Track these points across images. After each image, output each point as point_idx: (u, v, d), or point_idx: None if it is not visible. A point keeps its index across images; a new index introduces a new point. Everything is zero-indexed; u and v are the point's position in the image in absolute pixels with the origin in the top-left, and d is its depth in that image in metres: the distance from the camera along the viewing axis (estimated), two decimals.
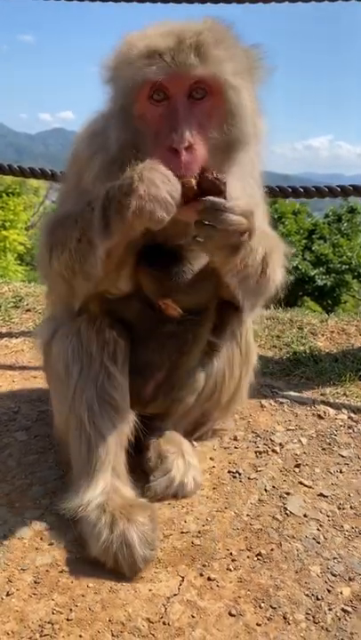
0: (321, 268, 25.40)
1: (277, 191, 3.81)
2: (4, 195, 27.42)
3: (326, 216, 28.43)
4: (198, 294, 2.15)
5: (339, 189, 3.79)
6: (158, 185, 1.73)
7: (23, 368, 3.43)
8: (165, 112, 1.83)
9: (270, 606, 1.75)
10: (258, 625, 1.68)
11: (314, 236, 27.59)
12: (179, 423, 2.47)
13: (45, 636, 1.60)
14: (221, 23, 1.92)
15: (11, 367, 3.44)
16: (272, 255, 2.02)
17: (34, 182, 30.62)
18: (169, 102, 1.83)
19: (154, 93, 1.82)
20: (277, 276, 2.08)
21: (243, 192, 1.99)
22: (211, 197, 1.76)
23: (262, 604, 1.76)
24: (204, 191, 1.77)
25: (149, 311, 2.16)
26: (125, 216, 1.76)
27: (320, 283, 24.88)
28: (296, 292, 24.25)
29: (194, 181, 1.77)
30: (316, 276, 25.07)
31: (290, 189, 3.84)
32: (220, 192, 1.76)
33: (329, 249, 25.91)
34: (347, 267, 25.46)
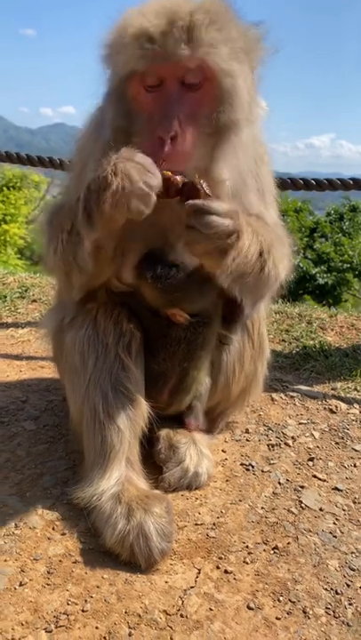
0: (322, 267, 25.37)
1: (278, 184, 3.78)
2: (4, 188, 27.36)
3: (328, 214, 28.39)
4: (204, 299, 2.10)
5: (339, 182, 3.75)
6: (133, 176, 1.67)
7: (30, 358, 3.39)
8: (158, 99, 1.79)
9: (289, 600, 1.71)
10: (277, 619, 1.64)
11: (315, 235, 27.57)
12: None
13: (61, 627, 1.56)
14: (220, 1, 1.82)
15: (17, 357, 3.40)
16: (271, 250, 1.91)
17: (35, 177, 30.51)
18: (162, 89, 1.79)
19: (147, 79, 1.78)
20: (279, 271, 1.98)
21: (237, 178, 1.92)
22: (193, 200, 1.71)
23: (281, 598, 1.72)
24: (188, 197, 1.73)
25: (157, 319, 2.12)
26: (104, 209, 1.72)
27: (321, 281, 24.84)
28: (297, 291, 24.19)
29: (180, 178, 1.72)
30: (318, 275, 25.03)
31: (290, 181, 3.81)
32: (203, 196, 1.72)
33: (330, 247, 25.89)
34: (348, 265, 25.43)
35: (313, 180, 3.78)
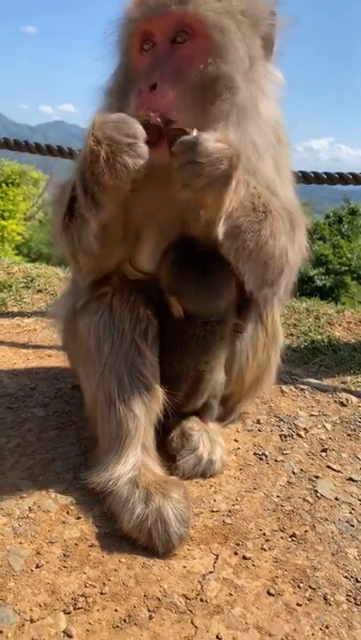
0: (320, 269, 25.37)
1: None
2: (3, 185, 27.28)
3: (327, 217, 28.41)
4: (211, 302, 2.08)
5: (337, 176, 3.72)
6: (114, 136, 1.63)
7: (37, 347, 3.36)
8: (149, 59, 1.80)
9: (309, 587, 1.69)
10: (298, 605, 1.62)
11: (314, 237, 27.58)
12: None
13: (79, 609, 1.53)
14: None
15: (24, 345, 3.37)
16: (278, 221, 1.84)
17: (34, 173, 30.46)
18: (154, 49, 1.80)
19: (143, 43, 1.81)
20: (285, 247, 1.87)
21: (246, 144, 1.82)
22: (182, 138, 1.62)
23: (301, 585, 1.69)
24: (172, 139, 1.65)
25: (172, 315, 2.09)
26: (105, 182, 1.68)
27: (319, 283, 24.84)
28: (294, 292, 24.11)
29: (156, 117, 1.66)
30: (316, 277, 25.04)
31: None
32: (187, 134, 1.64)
33: (329, 250, 25.91)
34: (346, 268, 25.46)
35: (312, 172, 3.74)
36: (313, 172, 3.75)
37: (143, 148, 1.65)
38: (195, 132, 1.64)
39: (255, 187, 1.82)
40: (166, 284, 2.05)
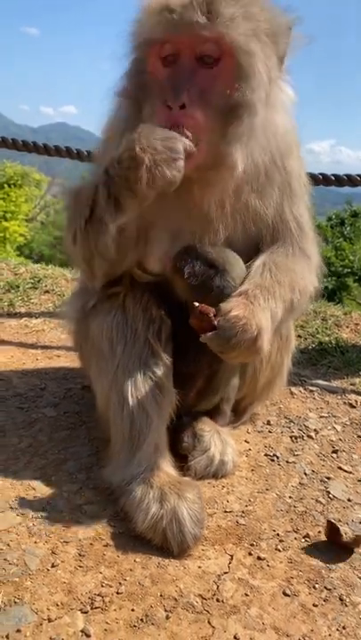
0: None
1: None
2: (5, 186, 27.31)
3: (329, 219, 28.38)
4: None
5: (332, 178, 3.74)
6: (160, 148, 1.67)
7: (46, 347, 3.36)
8: (172, 72, 1.78)
9: (325, 587, 1.69)
10: (314, 605, 1.62)
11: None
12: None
13: (96, 608, 1.53)
14: None
15: (33, 346, 3.37)
16: (295, 289, 2.00)
17: (36, 175, 30.50)
18: (177, 63, 1.77)
19: (164, 50, 1.78)
20: (308, 297, 2.14)
21: (256, 169, 1.91)
22: (205, 335, 1.76)
23: (316, 585, 1.69)
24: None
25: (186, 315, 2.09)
26: (137, 189, 1.72)
27: (321, 285, 24.69)
28: None
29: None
30: None
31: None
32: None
33: (331, 252, 25.87)
34: (349, 270, 25.43)
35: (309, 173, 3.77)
36: (321, 174, 3.76)
37: (182, 165, 1.70)
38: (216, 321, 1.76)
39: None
40: (181, 287, 2.04)
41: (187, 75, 1.74)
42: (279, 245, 2.06)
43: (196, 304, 1.78)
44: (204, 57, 1.75)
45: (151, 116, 1.79)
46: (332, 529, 1.86)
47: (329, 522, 1.86)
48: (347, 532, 1.92)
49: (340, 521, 1.99)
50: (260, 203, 1.99)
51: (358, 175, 3.72)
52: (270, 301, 1.88)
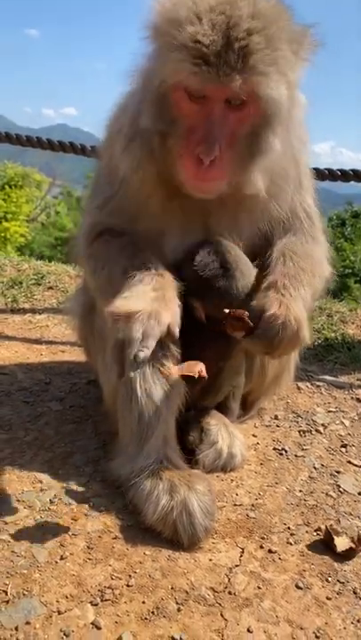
0: None
1: None
2: (6, 187, 27.30)
3: (330, 220, 28.36)
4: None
5: (339, 173, 3.73)
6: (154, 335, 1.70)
7: (50, 342, 3.33)
8: (201, 113, 1.72)
9: (338, 581, 1.66)
10: (328, 599, 1.59)
11: None
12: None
13: (107, 600, 1.50)
14: (277, 2, 1.74)
15: (37, 341, 3.34)
16: (315, 273, 2.01)
17: (36, 176, 30.48)
18: (206, 103, 1.71)
19: (193, 92, 1.69)
20: (324, 280, 2.13)
21: (274, 183, 1.92)
22: (241, 338, 1.77)
23: (329, 579, 1.67)
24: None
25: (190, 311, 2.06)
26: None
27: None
28: None
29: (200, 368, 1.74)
30: None
31: None
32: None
33: (332, 252, 25.83)
34: (349, 271, 25.41)
35: (326, 169, 3.75)
36: (327, 169, 3.76)
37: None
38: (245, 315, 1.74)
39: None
40: (186, 275, 2.01)
41: (217, 121, 1.70)
42: (291, 235, 2.05)
43: (227, 310, 1.75)
44: (232, 100, 1.70)
45: (177, 151, 1.76)
46: (328, 538, 1.81)
47: (327, 531, 1.81)
48: (358, 526, 1.90)
49: (351, 514, 1.96)
50: (276, 204, 2.01)
51: (327, 169, 3.72)
52: (300, 289, 1.86)
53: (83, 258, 2.14)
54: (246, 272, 1.98)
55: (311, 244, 2.07)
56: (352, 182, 3.83)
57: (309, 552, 1.77)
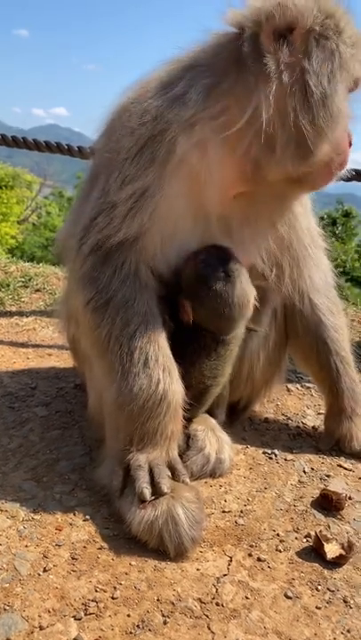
0: None
1: None
2: None
3: (321, 219, 28.31)
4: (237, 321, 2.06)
5: None
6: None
7: (37, 346, 3.28)
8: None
9: (328, 589, 1.63)
10: (318, 608, 1.55)
11: None
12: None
13: (90, 614, 1.46)
14: None
15: (24, 345, 3.30)
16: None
17: (27, 176, 30.31)
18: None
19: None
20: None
21: None
22: None
23: (319, 587, 1.63)
24: None
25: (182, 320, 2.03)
26: None
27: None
28: None
29: None
30: None
31: None
32: None
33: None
34: (341, 270, 25.41)
35: None
36: None
37: None
38: None
39: None
40: (186, 283, 1.98)
41: None
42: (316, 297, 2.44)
43: None
44: None
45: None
46: (318, 545, 1.77)
47: (317, 537, 1.78)
48: (348, 531, 1.87)
49: (341, 520, 1.93)
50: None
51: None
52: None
53: (74, 277, 2.02)
54: (246, 287, 1.97)
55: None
56: (342, 181, 3.81)
57: (299, 559, 1.73)
